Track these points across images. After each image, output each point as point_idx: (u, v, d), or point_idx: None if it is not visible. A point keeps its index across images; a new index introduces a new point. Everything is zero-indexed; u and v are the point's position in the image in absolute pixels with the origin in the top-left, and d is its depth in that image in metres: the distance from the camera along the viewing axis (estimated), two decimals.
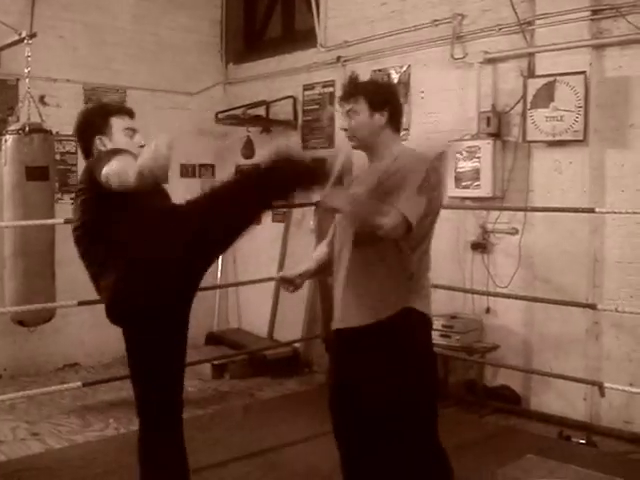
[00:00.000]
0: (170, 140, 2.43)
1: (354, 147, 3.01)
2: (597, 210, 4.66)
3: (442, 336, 5.38)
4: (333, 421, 3.01)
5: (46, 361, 6.53)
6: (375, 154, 2.97)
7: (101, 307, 2.90)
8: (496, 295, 5.40)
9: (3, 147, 5.45)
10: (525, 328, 5.42)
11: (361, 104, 2.90)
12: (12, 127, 5.46)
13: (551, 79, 5.01)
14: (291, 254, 6.95)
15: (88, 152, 3.12)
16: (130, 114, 3.17)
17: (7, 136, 5.37)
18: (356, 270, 2.89)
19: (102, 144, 3.05)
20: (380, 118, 2.90)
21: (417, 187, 2.72)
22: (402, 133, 3.11)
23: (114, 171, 2.63)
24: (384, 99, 2.93)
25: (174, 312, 2.99)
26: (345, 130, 2.96)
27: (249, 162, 7.39)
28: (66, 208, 6.11)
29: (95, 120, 3.10)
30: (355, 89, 2.96)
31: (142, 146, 3.07)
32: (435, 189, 2.84)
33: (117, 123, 3.09)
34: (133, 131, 3.12)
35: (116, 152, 2.81)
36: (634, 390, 4.62)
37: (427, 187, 2.76)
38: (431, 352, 3.02)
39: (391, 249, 2.80)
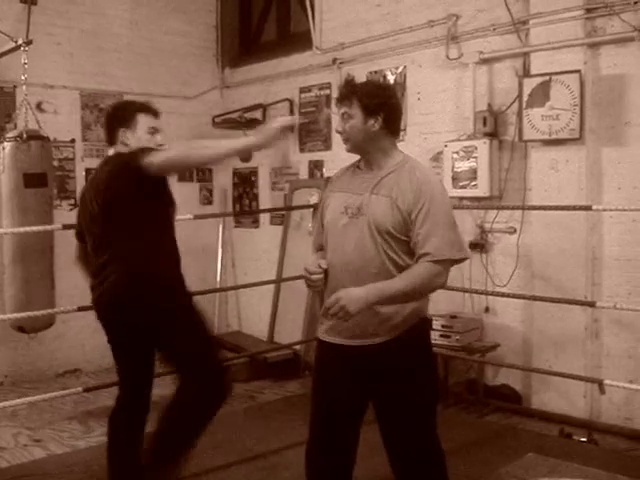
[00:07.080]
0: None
1: (348, 150, 2.90)
2: (594, 208, 4.66)
3: (442, 336, 5.39)
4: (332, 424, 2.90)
5: (47, 367, 6.53)
6: (371, 161, 2.85)
7: None
8: (495, 294, 5.40)
9: (1, 154, 5.45)
10: (525, 327, 5.43)
11: (355, 108, 2.78)
12: (9, 134, 5.47)
13: (546, 78, 5.03)
14: (290, 256, 6.95)
15: (112, 142, 3.37)
16: (155, 114, 3.41)
17: (5, 143, 5.38)
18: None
19: (125, 136, 3.29)
20: (374, 124, 2.77)
21: (451, 219, 2.73)
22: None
23: (175, 155, 3.13)
24: (378, 103, 2.78)
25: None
26: (340, 133, 2.86)
27: (246, 165, 7.43)
28: (64, 214, 6.16)
29: (123, 114, 3.36)
30: (349, 92, 2.82)
31: (161, 145, 3.33)
32: None
33: (143, 120, 3.34)
34: (156, 130, 3.36)
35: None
36: (634, 387, 4.62)
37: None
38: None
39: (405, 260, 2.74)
